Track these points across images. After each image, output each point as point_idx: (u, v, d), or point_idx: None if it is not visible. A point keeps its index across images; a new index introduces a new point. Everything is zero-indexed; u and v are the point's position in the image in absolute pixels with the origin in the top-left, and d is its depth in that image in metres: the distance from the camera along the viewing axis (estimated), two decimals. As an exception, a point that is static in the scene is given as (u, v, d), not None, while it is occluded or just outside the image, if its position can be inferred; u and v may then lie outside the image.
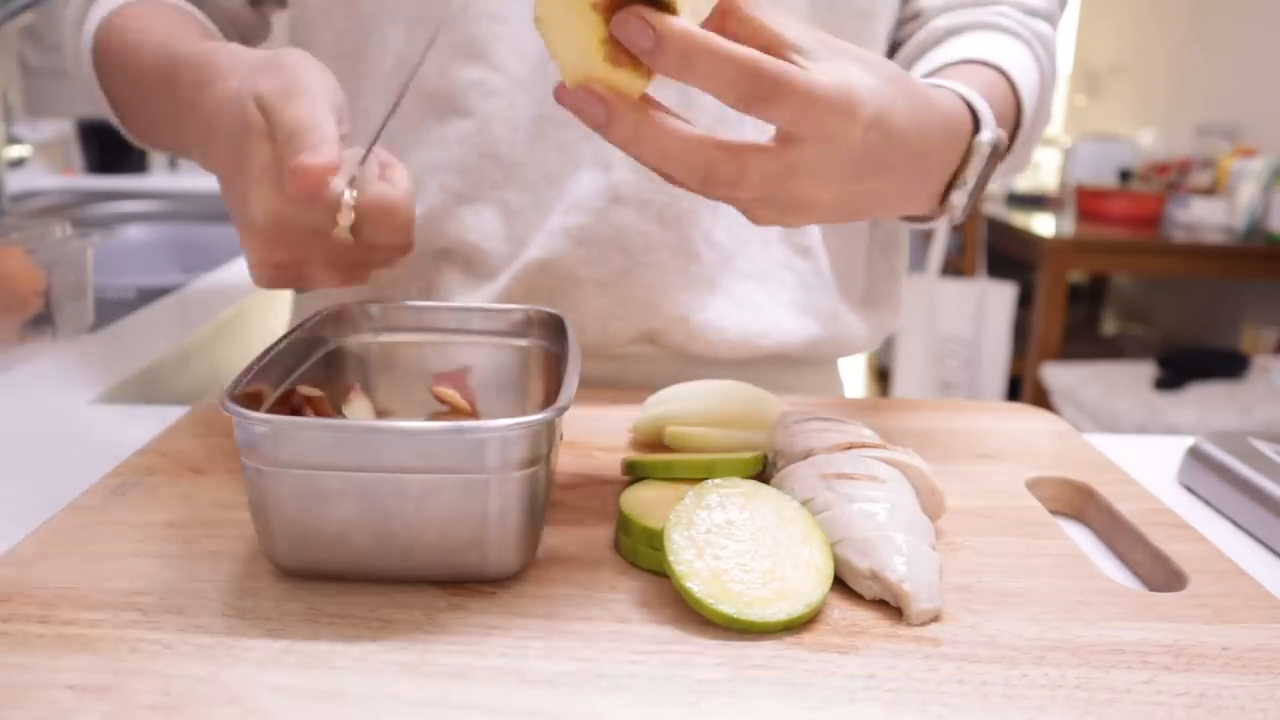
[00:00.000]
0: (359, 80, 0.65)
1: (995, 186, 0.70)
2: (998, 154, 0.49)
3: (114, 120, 0.67)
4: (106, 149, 1.88)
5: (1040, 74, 0.61)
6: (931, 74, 0.58)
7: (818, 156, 0.39)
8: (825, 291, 0.67)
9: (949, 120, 0.47)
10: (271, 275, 0.46)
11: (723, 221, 0.64)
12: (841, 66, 0.39)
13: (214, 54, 0.50)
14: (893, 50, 0.67)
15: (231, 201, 0.47)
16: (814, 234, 0.66)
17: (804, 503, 0.40)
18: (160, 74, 0.55)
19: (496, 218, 0.62)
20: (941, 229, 2.93)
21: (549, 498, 0.41)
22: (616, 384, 0.66)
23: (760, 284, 0.65)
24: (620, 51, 0.37)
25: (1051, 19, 0.65)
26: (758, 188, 0.40)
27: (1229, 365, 2.45)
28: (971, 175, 0.49)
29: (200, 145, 0.52)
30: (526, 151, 0.61)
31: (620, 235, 0.61)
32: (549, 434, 0.37)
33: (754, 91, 0.37)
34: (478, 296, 0.63)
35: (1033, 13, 0.64)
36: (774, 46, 0.38)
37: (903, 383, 3.03)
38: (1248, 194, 2.66)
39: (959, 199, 0.49)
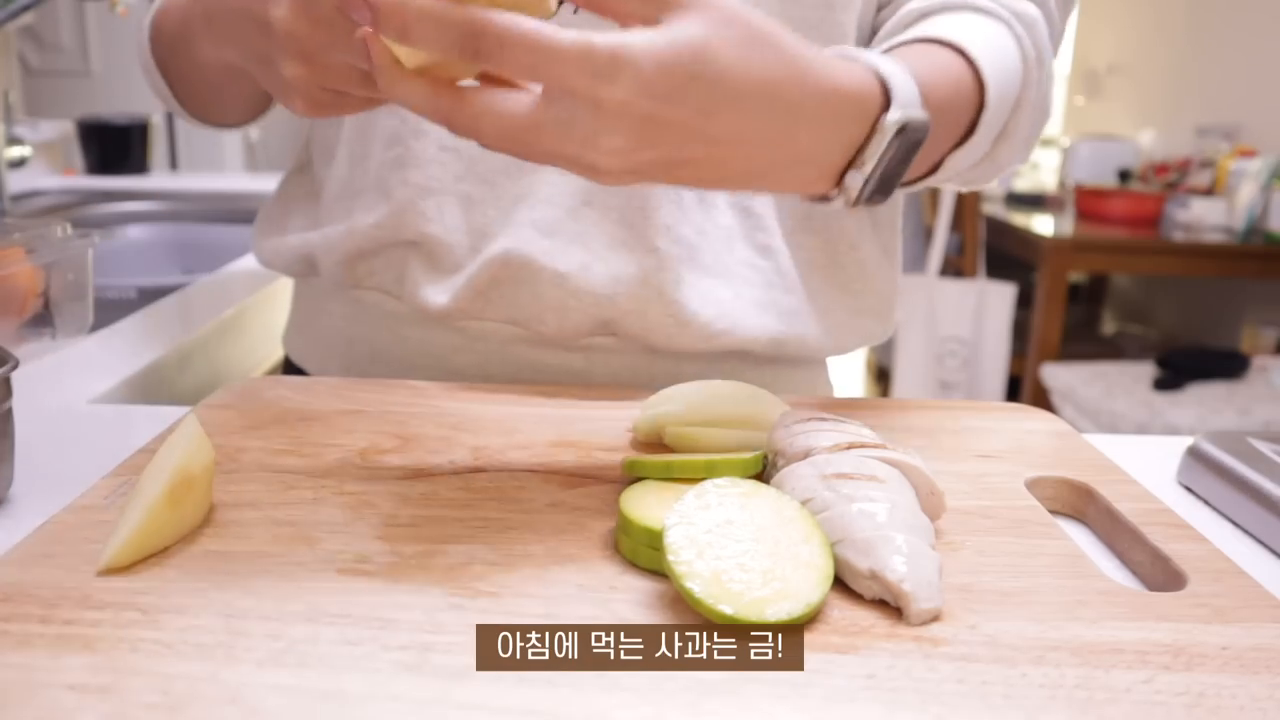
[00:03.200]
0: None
1: (970, 184, 0.66)
2: (913, 135, 0.46)
3: (180, 111, 0.70)
4: (106, 149, 1.88)
5: (1022, 56, 0.58)
6: (893, 48, 0.56)
7: (563, 114, 0.38)
8: (787, 291, 0.66)
9: (842, 93, 0.44)
10: (311, 94, 0.46)
11: (689, 217, 0.63)
12: (639, 34, 0.38)
13: None
14: (871, 36, 0.66)
15: (257, 42, 0.47)
16: (774, 233, 0.66)
17: (804, 503, 0.40)
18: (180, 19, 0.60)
19: (458, 210, 0.63)
20: (941, 229, 2.93)
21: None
22: (584, 378, 0.66)
23: (724, 280, 0.65)
24: None
25: (1040, 3, 0.63)
26: (498, 140, 0.39)
27: (1228, 365, 2.46)
28: (871, 156, 0.46)
29: (221, 34, 0.53)
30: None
31: (584, 234, 0.62)
32: None
33: (475, 47, 0.37)
34: (443, 287, 0.64)
35: None
36: None
37: (903, 383, 3.03)
38: (1247, 194, 2.66)
39: (854, 180, 0.47)
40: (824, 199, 0.49)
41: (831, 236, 0.68)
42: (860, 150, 0.46)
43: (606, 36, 0.37)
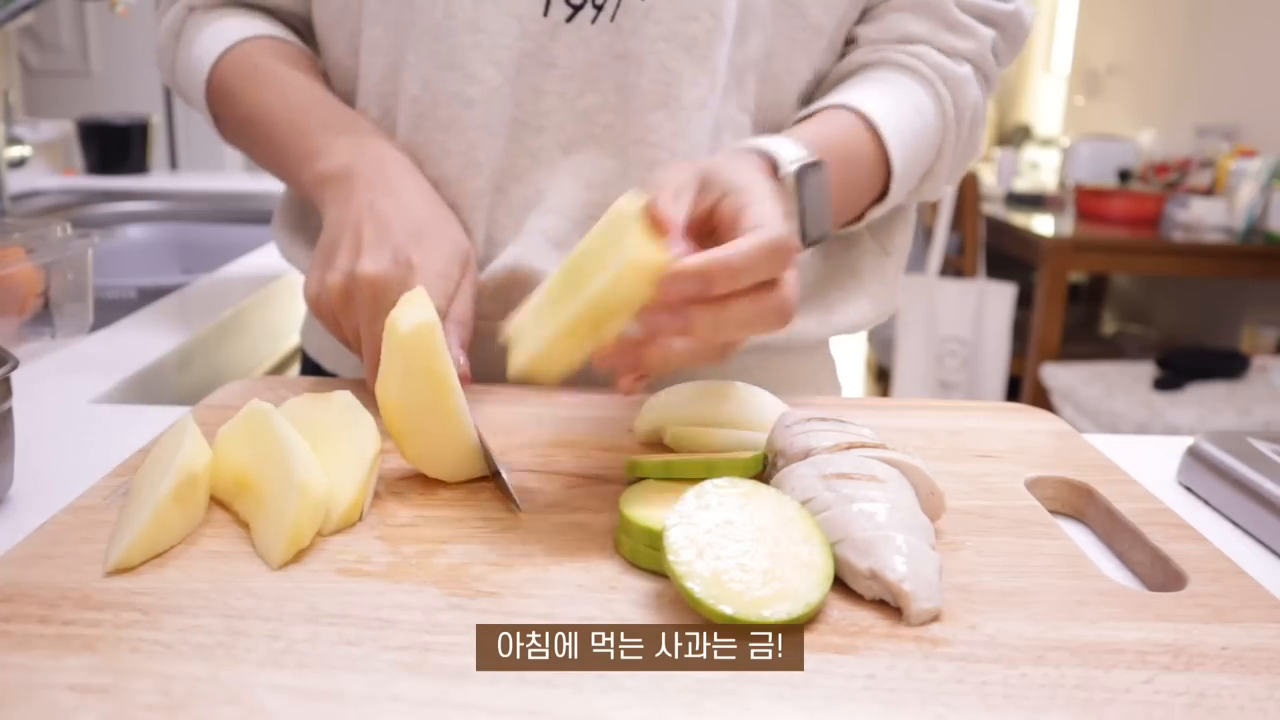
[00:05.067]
0: (359, 82, 0.66)
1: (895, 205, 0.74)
2: (813, 174, 0.54)
3: (207, 119, 0.74)
4: (106, 149, 1.87)
5: (941, 113, 0.66)
6: (800, 119, 0.63)
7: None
8: (803, 269, 0.67)
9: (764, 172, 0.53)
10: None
11: None
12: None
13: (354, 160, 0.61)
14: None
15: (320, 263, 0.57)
16: None
17: (804, 503, 0.40)
18: (281, 144, 0.65)
19: (480, 222, 0.63)
20: (941, 229, 2.93)
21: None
22: (596, 382, 0.66)
23: None
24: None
25: (977, 60, 0.67)
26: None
27: (1229, 365, 2.45)
28: (790, 208, 0.54)
29: (315, 197, 0.62)
30: (503, 155, 0.62)
31: None
32: None
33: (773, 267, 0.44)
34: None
35: (954, 55, 0.67)
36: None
37: (903, 383, 3.03)
38: (1247, 194, 2.66)
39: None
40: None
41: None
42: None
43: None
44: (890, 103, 0.63)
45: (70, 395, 0.66)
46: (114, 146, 1.87)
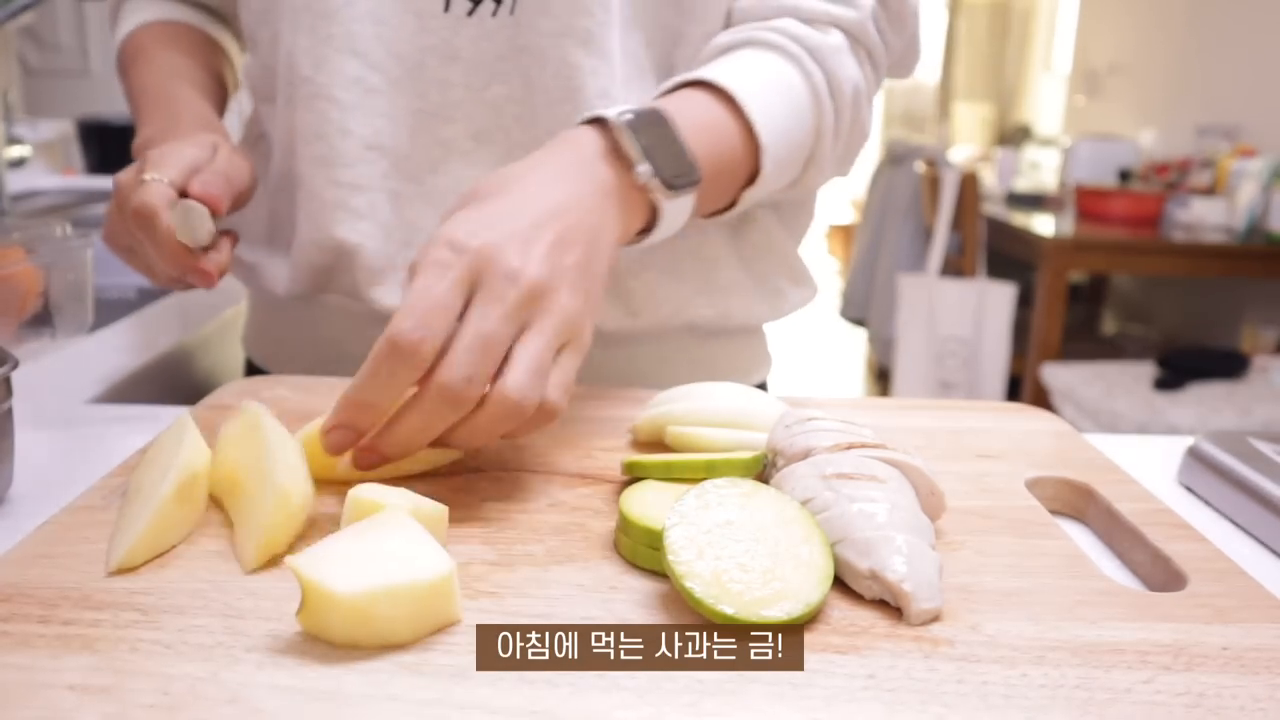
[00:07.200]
0: (274, 76, 0.66)
1: (790, 198, 0.71)
2: (650, 119, 0.51)
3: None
4: (106, 149, 1.87)
5: (812, 90, 0.61)
6: (658, 96, 0.59)
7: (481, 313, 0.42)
8: (723, 268, 0.68)
9: (576, 152, 0.50)
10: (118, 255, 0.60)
11: None
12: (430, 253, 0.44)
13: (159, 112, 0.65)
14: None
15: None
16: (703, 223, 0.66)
17: (804, 503, 0.40)
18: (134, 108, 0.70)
19: (388, 207, 0.64)
20: (941, 229, 2.93)
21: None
22: (596, 381, 0.67)
23: (669, 272, 0.67)
24: None
25: (854, 31, 0.63)
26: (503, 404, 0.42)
27: (1229, 365, 2.45)
28: (631, 149, 0.50)
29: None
30: (410, 144, 0.63)
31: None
32: None
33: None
34: (391, 288, 0.64)
35: (819, 22, 0.62)
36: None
37: (903, 383, 3.03)
38: (1247, 194, 2.66)
39: (645, 174, 0.51)
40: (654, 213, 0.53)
41: (740, 221, 0.70)
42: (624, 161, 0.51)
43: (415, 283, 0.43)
44: (748, 74, 0.58)
45: (70, 395, 0.66)
46: (114, 146, 1.87)
